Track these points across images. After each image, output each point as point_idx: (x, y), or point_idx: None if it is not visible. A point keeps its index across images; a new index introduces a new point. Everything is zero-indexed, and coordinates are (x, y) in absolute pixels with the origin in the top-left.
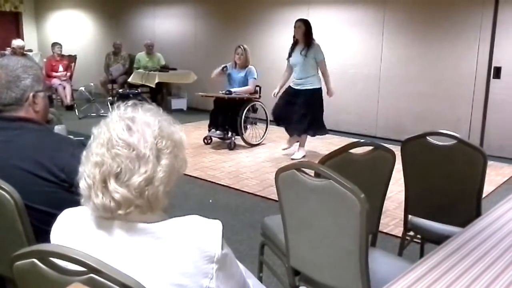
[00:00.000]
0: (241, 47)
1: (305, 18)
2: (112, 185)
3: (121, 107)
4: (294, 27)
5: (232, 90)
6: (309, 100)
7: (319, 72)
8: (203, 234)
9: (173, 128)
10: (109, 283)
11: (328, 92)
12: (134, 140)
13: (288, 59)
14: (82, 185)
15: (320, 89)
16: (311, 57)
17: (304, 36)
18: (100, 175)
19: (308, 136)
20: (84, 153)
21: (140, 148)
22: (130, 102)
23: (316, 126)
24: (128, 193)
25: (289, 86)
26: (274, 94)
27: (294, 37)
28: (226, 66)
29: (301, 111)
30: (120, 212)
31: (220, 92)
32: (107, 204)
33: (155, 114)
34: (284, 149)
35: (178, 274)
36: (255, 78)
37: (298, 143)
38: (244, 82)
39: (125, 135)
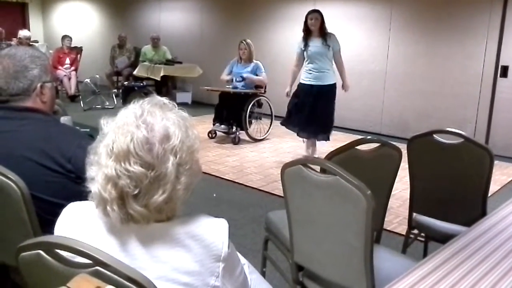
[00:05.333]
0: (244, 42)
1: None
2: (130, 204)
3: (137, 106)
4: (310, 18)
5: (244, 75)
6: (330, 97)
7: (334, 65)
8: (210, 233)
9: (191, 136)
10: (115, 276)
11: (343, 86)
12: (153, 159)
13: (303, 51)
14: (94, 191)
15: (335, 85)
16: (329, 47)
17: (321, 27)
18: (116, 193)
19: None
20: (92, 153)
21: (160, 169)
22: (146, 100)
23: (326, 128)
24: (147, 211)
25: (300, 83)
26: (287, 94)
27: (306, 29)
28: (232, 79)
29: (315, 110)
30: (136, 225)
31: (227, 86)
32: (123, 218)
33: (174, 119)
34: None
35: (185, 273)
36: (264, 72)
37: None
38: None
39: (144, 151)
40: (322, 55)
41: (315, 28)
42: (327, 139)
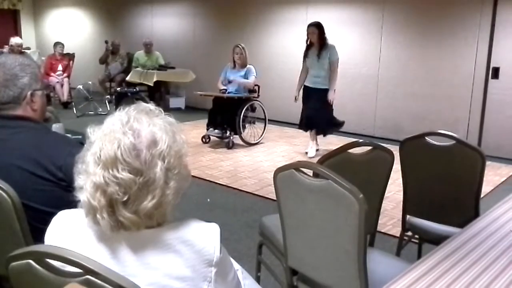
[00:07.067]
0: (239, 46)
1: (317, 21)
2: (120, 211)
3: (123, 113)
4: (308, 32)
5: (231, 78)
6: (322, 98)
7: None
8: (201, 238)
9: (179, 140)
10: (105, 285)
11: (328, 93)
12: (141, 164)
13: (304, 60)
14: (83, 200)
15: (327, 90)
16: (325, 58)
17: (319, 39)
18: (105, 200)
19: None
20: (80, 162)
21: (149, 174)
22: (132, 107)
23: (326, 124)
24: (137, 218)
25: (305, 86)
26: (295, 99)
27: (307, 40)
28: (225, 89)
29: (315, 108)
30: (126, 232)
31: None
32: (113, 225)
33: (161, 125)
34: (311, 156)
35: (177, 278)
36: (255, 76)
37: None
38: None
39: (131, 157)
40: (317, 65)
41: (314, 41)
42: (323, 133)
